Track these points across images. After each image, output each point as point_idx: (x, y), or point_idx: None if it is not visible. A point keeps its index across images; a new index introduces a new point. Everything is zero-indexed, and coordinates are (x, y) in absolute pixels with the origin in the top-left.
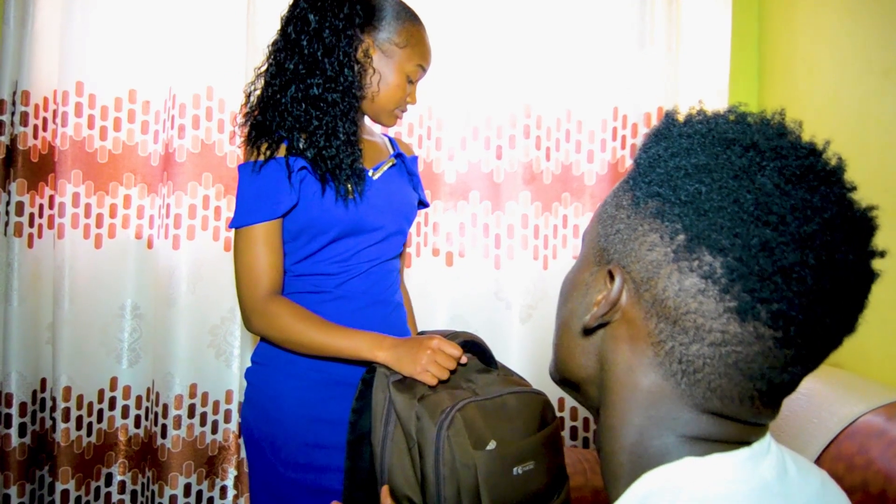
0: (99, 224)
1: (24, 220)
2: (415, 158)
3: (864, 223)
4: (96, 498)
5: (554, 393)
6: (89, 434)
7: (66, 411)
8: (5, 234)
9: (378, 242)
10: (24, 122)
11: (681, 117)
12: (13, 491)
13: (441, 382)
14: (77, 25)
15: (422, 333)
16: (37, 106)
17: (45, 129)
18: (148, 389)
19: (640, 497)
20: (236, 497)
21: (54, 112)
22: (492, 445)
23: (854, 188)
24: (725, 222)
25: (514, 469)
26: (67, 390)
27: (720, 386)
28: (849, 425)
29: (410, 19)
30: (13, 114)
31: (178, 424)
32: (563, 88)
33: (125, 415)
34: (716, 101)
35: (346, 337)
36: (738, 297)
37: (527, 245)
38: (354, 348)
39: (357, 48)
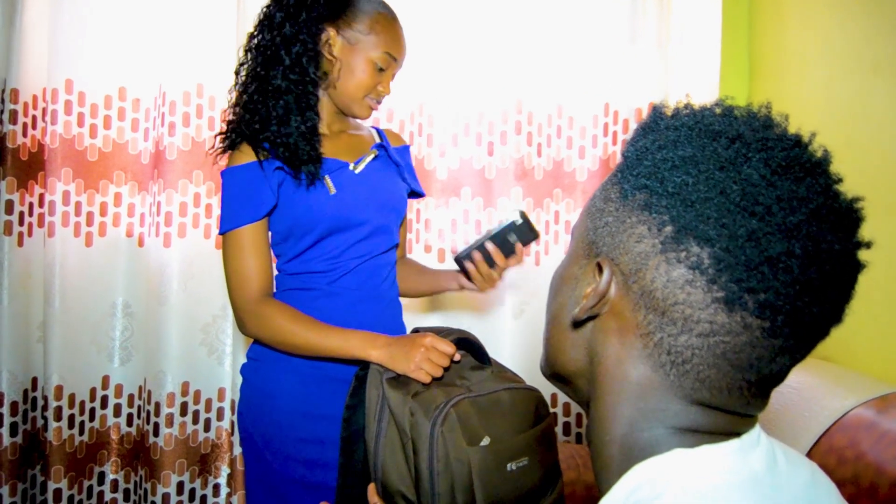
0: (89, 222)
1: (14, 218)
2: (405, 148)
3: (849, 214)
4: (89, 496)
5: (547, 388)
6: (81, 433)
7: (58, 410)
8: None
9: (366, 238)
10: (13, 120)
11: (668, 110)
12: (5, 490)
13: (435, 380)
14: (66, 22)
15: (416, 331)
16: (26, 104)
17: (34, 127)
18: (140, 387)
19: (630, 489)
20: (229, 495)
21: (44, 110)
22: (486, 441)
23: (840, 180)
24: (712, 213)
25: (508, 465)
26: (59, 389)
27: (709, 377)
28: (840, 418)
29: (378, 8)
30: (2, 112)
31: (170, 422)
32: (554, 84)
33: (117, 413)
34: (706, 97)
35: (339, 337)
36: (725, 287)
37: None
38: (347, 348)
39: (319, 39)
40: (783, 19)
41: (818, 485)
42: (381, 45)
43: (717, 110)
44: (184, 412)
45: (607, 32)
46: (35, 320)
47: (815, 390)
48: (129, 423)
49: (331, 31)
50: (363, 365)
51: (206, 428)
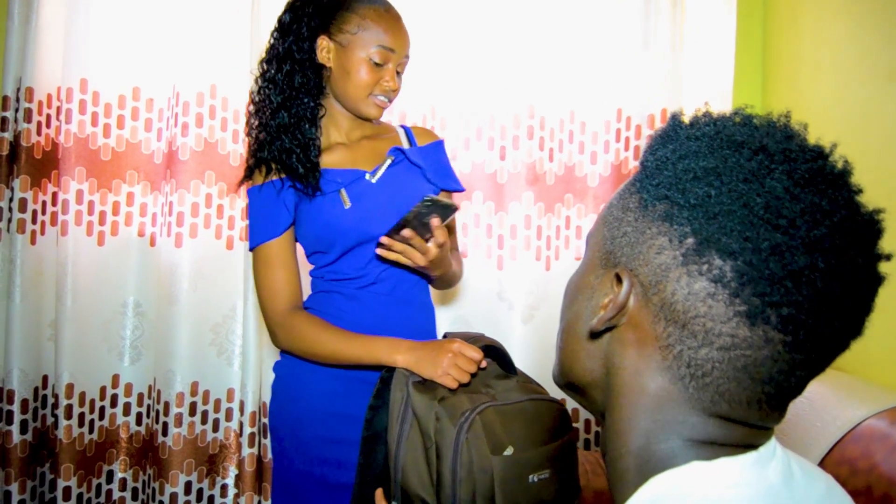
0: (102, 221)
1: (27, 216)
2: (436, 144)
3: (871, 226)
4: (97, 495)
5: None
6: (91, 431)
7: (68, 408)
8: (8, 230)
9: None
10: (28, 119)
11: (686, 119)
12: (14, 488)
13: (461, 386)
14: (81, 22)
15: (445, 336)
16: (40, 102)
17: (48, 126)
18: (149, 387)
19: (647, 501)
20: (237, 495)
21: (58, 109)
22: (509, 451)
23: (860, 191)
24: (735, 226)
25: (530, 477)
26: (69, 387)
27: (728, 390)
28: (852, 429)
29: (363, 4)
30: (17, 110)
31: (179, 422)
32: (566, 89)
33: (127, 412)
34: (720, 103)
35: (364, 344)
36: (747, 301)
37: (529, 246)
38: (373, 355)
39: (314, 52)
40: (797, 26)
41: (834, 497)
42: (372, 40)
43: (737, 119)
44: (193, 412)
45: (620, 38)
46: (46, 318)
47: (827, 400)
48: (139, 423)
49: (324, 40)
50: (388, 367)
51: (215, 428)
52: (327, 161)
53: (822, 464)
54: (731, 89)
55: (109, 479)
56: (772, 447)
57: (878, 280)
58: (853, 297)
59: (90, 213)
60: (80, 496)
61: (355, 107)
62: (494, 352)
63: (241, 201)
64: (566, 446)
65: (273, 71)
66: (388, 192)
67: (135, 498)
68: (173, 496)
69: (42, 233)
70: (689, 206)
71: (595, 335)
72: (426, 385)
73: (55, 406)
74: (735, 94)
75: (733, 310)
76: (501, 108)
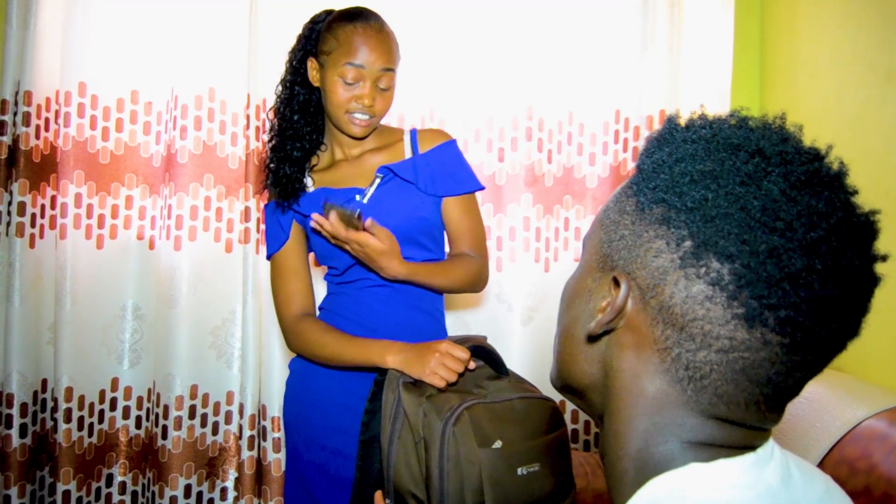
0: (100, 225)
1: (26, 220)
2: (442, 146)
3: (867, 228)
4: (97, 499)
5: (556, 397)
6: (90, 435)
7: (68, 412)
8: (7, 234)
9: None
10: (27, 123)
11: (682, 122)
12: (14, 492)
13: (451, 386)
14: (79, 26)
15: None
16: (39, 106)
17: (47, 130)
18: (149, 390)
19: (646, 503)
20: (237, 499)
21: (56, 112)
22: (497, 444)
23: (856, 192)
24: (733, 229)
25: (519, 469)
26: (69, 391)
27: (727, 392)
28: (851, 430)
29: (341, 23)
30: (15, 114)
31: (178, 425)
32: (565, 91)
33: (126, 416)
34: (718, 105)
35: (360, 346)
36: (745, 303)
37: (528, 247)
38: (367, 356)
39: (305, 74)
40: (795, 27)
41: (832, 497)
42: (341, 59)
43: (733, 121)
44: (192, 415)
45: (618, 40)
46: (46, 322)
47: (826, 401)
48: (138, 426)
49: (312, 62)
50: (382, 371)
51: (215, 431)
52: (327, 180)
53: (822, 464)
54: (728, 90)
55: (109, 483)
56: (770, 448)
57: (875, 281)
58: (850, 298)
59: (89, 216)
60: (79, 500)
61: (338, 125)
62: (485, 353)
63: (240, 204)
64: (557, 441)
65: (280, 90)
66: (378, 211)
67: (134, 501)
68: (173, 499)
69: (41, 236)
70: (686, 210)
71: (593, 338)
72: (416, 385)
73: (54, 409)
74: (733, 96)
75: (731, 312)
76: (500, 110)
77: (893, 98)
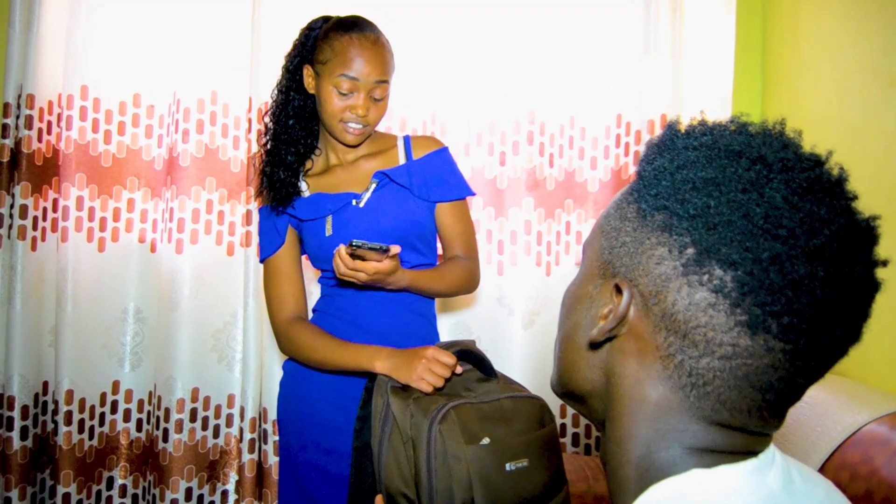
0: (102, 228)
1: (28, 223)
2: (435, 153)
3: (868, 233)
4: (98, 501)
5: (555, 399)
6: (91, 437)
7: (68, 415)
8: (9, 237)
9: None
10: (29, 126)
11: (683, 128)
12: (14, 494)
13: (438, 390)
14: (82, 29)
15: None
16: (41, 109)
17: (49, 133)
18: (150, 393)
19: None
20: (237, 501)
21: (59, 115)
22: (485, 441)
23: (856, 198)
24: (735, 236)
25: (507, 465)
26: (70, 393)
27: (729, 398)
28: (853, 434)
29: (337, 33)
30: (18, 117)
31: (179, 428)
32: (566, 95)
33: (127, 418)
34: (719, 110)
35: (349, 351)
36: (748, 310)
37: (530, 251)
38: (356, 361)
39: (300, 80)
40: (797, 32)
41: (834, 502)
42: (336, 69)
43: (732, 128)
44: (193, 418)
45: (620, 44)
46: (47, 324)
47: (827, 405)
48: (139, 429)
49: (308, 69)
50: (372, 377)
51: (216, 434)
52: (322, 185)
53: (823, 469)
54: (730, 95)
55: (110, 486)
56: (771, 453)
57: (876, 286)
58: (852, 303)
59: (91, 219)
60: (79, 503)
61: (332, 133)
62: (474, 357)
63: (242, 207)
64: (546, 437)
65: (276, 95)
66: (373, 216)
67: None
68: (174, 502)
69: (43, 239)
70: (688, 217)
71: (595, 345)
72: (404, 389)
73: (55, 412)
74: (735, 100)
75: (734, 319)
76: (501, 114)
77: (894, 103)
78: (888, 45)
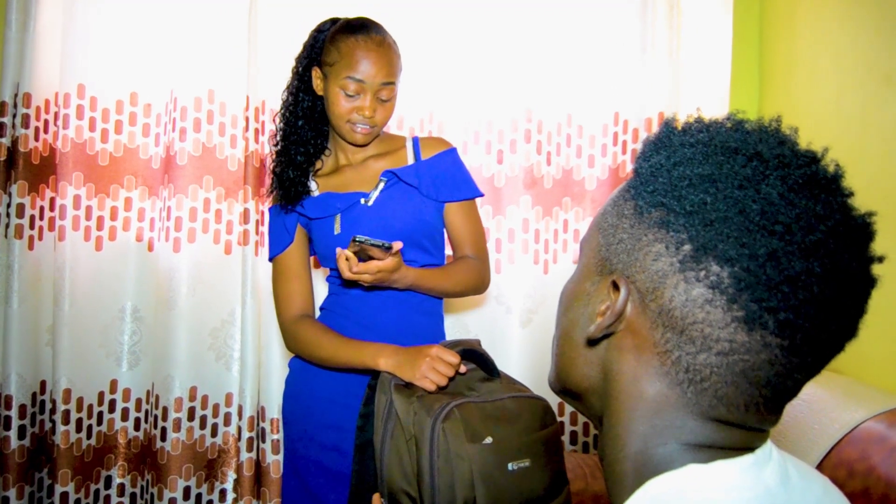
0: (99, 226)
1: (25, 222)
2: (443, 154)
3: (864, 230)
4: (95, 500)
5: (554, 398)
6: (89, 436)
7: (66, 414)
8: (6, 235)
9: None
10: (26, 125)
11: (679, 125)
12: (12, 493)
13: (441, 389)
14: (79, 28)
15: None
16: (38, 108)
17: (46, 132)
18: (148, 392)
19: None
20: (235, 500)
21: (55, 114)
22: (488, 441)
23: (852, 194)
24: (732, 232)
25: (510, 465)
26: (67, 392)
27: (727, 394)
28: (850, 431)
29: (344, 35)
30: (14, 116)
31: (177, 427)
32: (564, 93)
33: (125, 417)
34: (717, 107)
35: (354, 348)
36: (745, 306)
37: (527, 249)
38: (360, 359)
39: (309, 81)
40: (794, 29)
41: (831, 499)
42: (342, 72)
43: (729, 125)
44: (191, 417)
45: (617, 42)
46: (44, 324)
47: (825, 403)
48: (137, 428)
49: (316, 71)
50: (375, 375)
51: (214, 433)
52: (331, 184)
53: (821, 466)
54: (727, 93)
55: (108, 485)
56: (768, 450)
57: (872, 282)
58: (848, 300)
59: (88, 218)
60: (77, 502)
61: (340, 134)
62: (478, 357)
63: (239, 206)
64: (548, 437)
65: (286, 97)
66: (382, 215)
67: (133, 503)
68: (172, 501)
69: (40, 238)
70: (685, 213)
71: (592, 342)
72: (408, 387)
73: (53, 411)
74: (732, 98)
75: (731, 315)
76: (499, 113)
77: (892, 101)
78: (885, 43)
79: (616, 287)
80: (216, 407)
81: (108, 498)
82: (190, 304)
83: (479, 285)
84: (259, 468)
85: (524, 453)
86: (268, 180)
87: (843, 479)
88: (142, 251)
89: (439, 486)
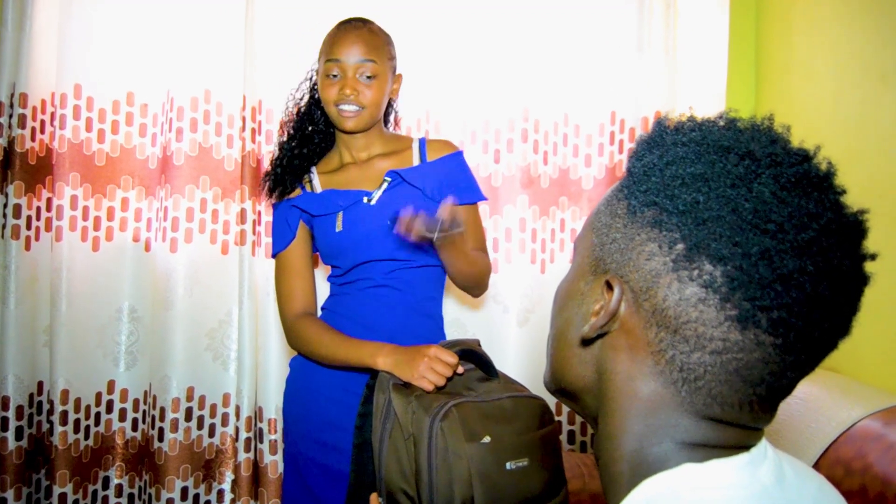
0: (96, 227)
1: (22, 222)
2: (449, 157)
3: (856, 227)
4: (93, 501)
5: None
6: (86, 437)
7: (64, 414)
8: (2, 236)
9: (388, 264)
10: (22, 125)
11: (671, 124)
12: (10, 494)
13: (440, 389)
14: (75, 28)
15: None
16: (34, 108)
17: (42, 132)
18: (145, 392)
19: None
20: (233, 501)
21: (52, 114)
22: (486, 440)
23: (844, 191)
24: (725, 231)
25: (507, 464)
26: (65, 393)
27: (721, 393)
28: (847, 430)
29: (331, 29)
30: (11, 116)
31: (175, 427)
32: (560, 92)
33: (122, 418)
34: (713, 106)
35: (353, 347)
36: (738, 305)
37: (524, 249)
38: (358, 357)
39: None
40: (790, 28)
41: (826, 497)
42: (322, 57)
43: (721, 123)
44: (189, 417)
45: (614, 41)
46: (41, 324)
47: (822, 401)
48: (134, 428)
49: (317, 72)
50: (374, 374)
51: (211, 433)
52: (335, 182)
53: (817, 465)
54: (724, 92)
55: (105, 486)
56: (763, 448)
57: (865, 280)
58: (841, 297)
59: (85, 218)
60: (75, 502)
61: (334, 123)
62: (476, 357)
63: (236, 206)
64: (547, 437)
65: (294, 96)
66: (384, 213)
67: None
68: (169, 501)
69: (37, 238)
70: (678, 213)
71: (587, 342)
72: (406, 386)
73: (50, 412)
74: (728, 97)
75: (724, 314)
76: (496, 112)
77: (889, 99)
78: (881, 41)
79: (610, 287)
80: (213, 407)
81: (105, 499)
82: (187, 304)
83: (483, 277)
84: (257, 468)
85: (522, 453)
86: (258, 179)
87: (840, 478)
88: (139, 251)
89: (437, 485)
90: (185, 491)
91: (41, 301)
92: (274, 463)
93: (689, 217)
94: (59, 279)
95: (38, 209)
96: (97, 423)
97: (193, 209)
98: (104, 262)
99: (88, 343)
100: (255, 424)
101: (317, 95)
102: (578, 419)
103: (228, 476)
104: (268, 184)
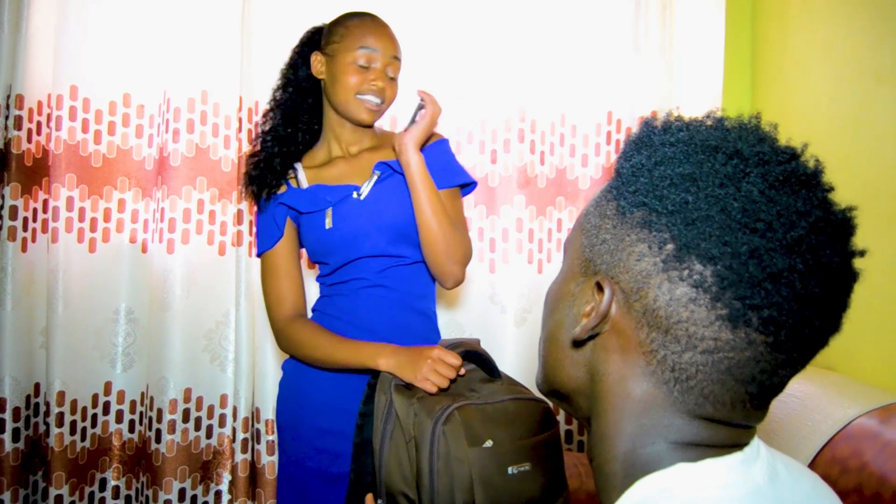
0: (93, 228)
1: (18, 224)
2: (436, 144)
3: (844, 224)
4: (90, 503)
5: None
6: (83, 439)
7: (60, 416)
8: None
9: (379, 259)
10: (18, 126)
11: (659, 124)
12: (7, 496)
13: (443, 391)
14: (72, 29)
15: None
16: (31, 110)
17: (39, 133)
18: (142, 394)
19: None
20: (231, 502)
21: (48, 116)
22: (488, 444)
23: (832, 189)
24: (714, 231)
25: (509, 469)
26: (61, 395)
27: (713, 392)
28: (843, 428)
29: (350, 17)
30: (7, 117)
31: (172, 429)
32: (557, 92)
33: (119, 419)
34: (710, 106)
35: (352, 348)
36: (729, 304)
37: (521, 249)
38: (359, 359)
39: (308, 68)
40: (786, 27)
41: (819, 495)
42: (355, 43)
43: (709, 123)
44: (186, 419)
45: (610, 41)
46: (38, 326)
47: (818, 400)
48: (131, 430)
49: (317, 55)
50: (375, 374)
51: (209, 435)
52: (322, 177)
53: (814, 463)
54: (720, 91)
55: (102, 487)
56: (756, 447)
57: (854, 276)
58: (831, 294)
59: (81, 219)
60: None
61: (346, 111)
62: (478, 358)
63: (233, 207)
64: (548, 441)
65: (277, 88)
66: (375, 208)
67: None
68: (167, 503)
69: (33, 240)
70: (667, 213)
71: (578, 343)
72: (408, 387)
73: (47, 414)
74: (725, 96)
75: (715, 314)
76: (492, 112)
77: (884, 99)
78: (877, 41)
79: (600, 288)
80: (211, 408)
81: (102, 500)
82: (184, 305)
83: (450, 242)
84: (254, 469)
85: (524, 457)
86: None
87: (836, 476)
88: (135, 253)
89: (438, 489)
90: (182, 492)
91: (38, 303)
92: (271, 464)
93: (678, 217)
94: (56, 281)
95: (35, 211)
96: (94, 424)
97: (190, 210)
98: (101, 264)
99: (85, 344)
100: (253, 425)
101: (298, 93)
102: (575, 419)
103: (226, 477)
104: (252, 188)
